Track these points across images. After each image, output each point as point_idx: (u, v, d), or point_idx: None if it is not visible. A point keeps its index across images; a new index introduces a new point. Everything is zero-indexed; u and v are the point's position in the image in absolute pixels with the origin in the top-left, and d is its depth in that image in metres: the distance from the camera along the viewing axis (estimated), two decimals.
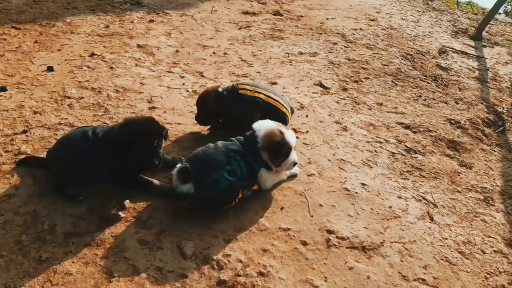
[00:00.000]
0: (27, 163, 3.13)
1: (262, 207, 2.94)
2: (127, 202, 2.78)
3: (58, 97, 4.16)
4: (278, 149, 2.85)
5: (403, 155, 3.82)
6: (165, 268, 2.42)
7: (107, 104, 4.08)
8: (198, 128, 3.79)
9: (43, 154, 3.21)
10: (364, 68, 5.61)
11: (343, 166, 3.51)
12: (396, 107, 4.70)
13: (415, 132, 4.24)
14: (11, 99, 4.09)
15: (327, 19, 7.45)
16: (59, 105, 4.03)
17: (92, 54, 5.18)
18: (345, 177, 3.37)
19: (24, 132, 3.56)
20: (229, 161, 2.76)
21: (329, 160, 3.56)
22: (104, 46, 5.48)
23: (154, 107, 4.11)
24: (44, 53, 5.21)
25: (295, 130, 3.35)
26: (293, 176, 3.25)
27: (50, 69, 4.78)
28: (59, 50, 5.31)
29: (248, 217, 2.84)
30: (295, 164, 2.97)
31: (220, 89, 3.52)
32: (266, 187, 2.97)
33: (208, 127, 3.78)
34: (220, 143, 2.89)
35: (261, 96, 3.50)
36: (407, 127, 4.31)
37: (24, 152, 3.30)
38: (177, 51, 5.60)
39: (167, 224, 2.71)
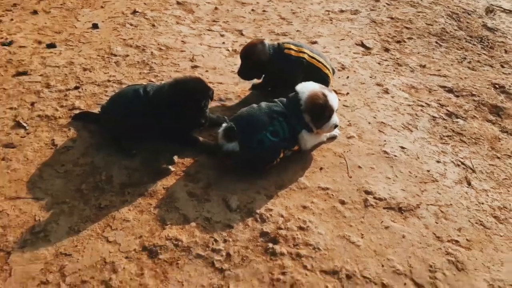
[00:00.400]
0: (82, 118, 3.34)
1: (302, 167, 3.06)
2: (175, 158, 2.97)
3: (105, 55, 4.32)
4: (321, 112, 2.91)
5: (444, 119, 3.79)
6: (212, 219, 2.62)
7: (152, 62, 4.21)
8: (239, 88, 3.87)
9: (95, 110, 3.41)
10: (407, 28, 5.44)
11: (383, 129, 3.54)
12: (439, 70, 4.59)
13: (457, 96, 4.16)
14: (61, 55, 4.29)
15: None
16: (107, 62, 4.19)
17: (134, 12, 5.27)
18: (385, 140, 3.41)
19: (76, 88, 3.76)
20: (272, 122, 2.86)
21: (369, 123, 3.59)
22: (145, 3, 5.54)
23: (196, 66, 4.20)
24: (88, 10, 5.34)
25: (336, 92, 3.37)
26: (332, 138, 3.32)
27: (95, 26, 4.92)
28: (102, 7, 5.42)
29: (288, 175, 2.98)
30: (336, 126, 3.04)
31: (265, 42, 3.51)
32: (307, 148, 3.07)
33: (250, 86, 3.85)
34: (263, 104, 2.98)
35: (305, 56, 3.52)
36: (450, 90, 4.23)
37: (78, 107, 3.51)
38: (216, 8, 5.59)
39: (213, 179, 2.88)
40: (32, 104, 3.53)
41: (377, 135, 3.47)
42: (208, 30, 5.03)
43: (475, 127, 3.76)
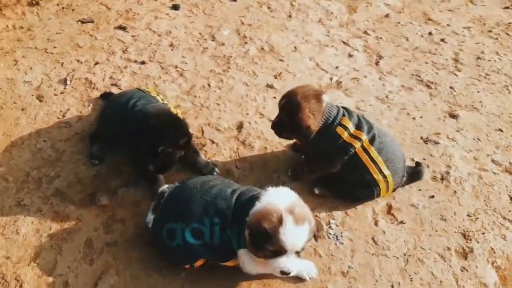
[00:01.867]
0: (106, 99, 3.13)
1: None
2: (104, 199, 2.47)
3: (205, 35, 3.92)
4: (260, 240, 1.86)
5: None
6: None
7: (235, 62, 3.58)
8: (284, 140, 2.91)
9: None
10: None
11: None
12: None
13: None
14: (171, 21, 4.11)
15: None
16: (196, 45, 3.81)
17: None
18: None
19: (142, 63, 3.57)
20: (201, 218, 2.00)
21: None
22: None
23: (271, 87, 3.36)
24: None
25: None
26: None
27: None
28: None
29: None
30: (283, 273, 1.93)
31: (325, 99, 2.35)
32: (247, 271, 2.09)
33: (292, 143, 2.84)
34: (216, 189, 2.10)
35: (357, 144, 2.30)
36: None
37: (119, 86, 3.31)
38: (386, 15, 4.30)
39: (117, 246, 2.29)
40: (96, 63, 3.52)
41: None
42: (344, 42, 3.93)
43: None
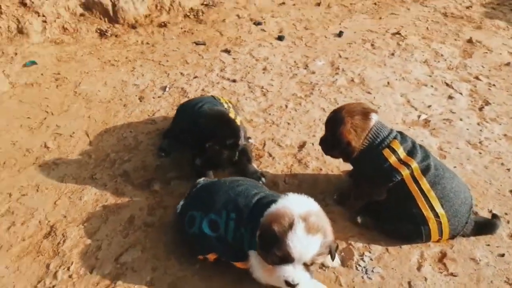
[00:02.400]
0: None
1: None
2: (157, 185, 2.65)
3: (298, 64, 4.04)
4: (268, 242, 1.76)
5: None
6: None
7: (319, 89, 3.59)
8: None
9: None
10: None
11: None
12: None
13: None
14: (261, 49, 4.34)
15: None
16: (287, 73, 3.93)
17: (396, 33, 4.44)
18: None
19: (232, 81, 3.82)
20: (220, 210, 2.01)
21: None
22: (416, 26, 4.52)
23: None
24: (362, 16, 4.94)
25: None
26: None
27: (340, 34, 4.57)
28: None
29: None
30: (286, 283, 1.77)
31: (373, 118, 2.20)
32: (255, 276, 1.98)
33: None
34: (244, 186, 2.10)
35: (405, 172, 2.07)
36: None
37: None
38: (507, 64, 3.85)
39: (152, 228, 2.41)
40: (194, 77, 3.91)
41: None
42: (447, 84, 3.63)
43: None
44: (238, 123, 2.67)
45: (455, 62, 3.96)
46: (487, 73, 3.74)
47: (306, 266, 1.77)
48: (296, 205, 1.84)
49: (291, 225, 1.74)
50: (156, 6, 4.92)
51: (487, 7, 5.12)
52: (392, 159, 2.09)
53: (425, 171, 2.05)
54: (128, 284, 2.08)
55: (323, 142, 2.38)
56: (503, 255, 2.07)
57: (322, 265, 2.08)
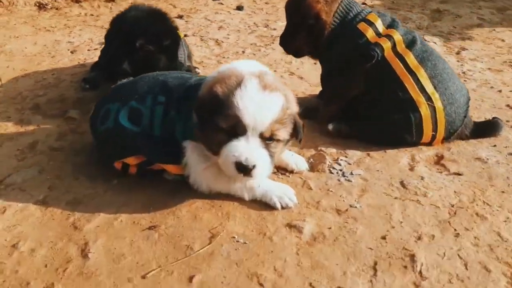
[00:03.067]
0: None
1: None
2: (74, 113, 2.08)
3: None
4: (210, 107, 1.23)
5: None
6: None
7: None
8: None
9: None
10: None
11: None
12: None
13: None
14: (230, 19, 3.96)
15: None
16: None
17: None
18: None
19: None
20: (143, 96, 1.46)
21: None
22: None
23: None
24: None
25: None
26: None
27: None
28: None
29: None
30: (238, 166, 1.22)
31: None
32: (191, 179, 1.41)
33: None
34: (182, 74, 1.58)
35: (387, 45, 1.62)
36: None
37: None
38: None
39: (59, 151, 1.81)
40: None
41: None
42: None
43: None
44: (183, 41, 2.19)
45: (424, 23, 3.71)
46: (459, 31, 3.49)
47: (264, 140, 1.23)
48: (246, 66, 1.34)
49: (239, 83, 1.23)
50: None
51: None
52: (370, 33, 1.65)
53: (410, 44, 1.62)
54: (9, 202, 1.45)
55: (283, 36, 1.93)
56: None
57: (285, 171, 1.53)
